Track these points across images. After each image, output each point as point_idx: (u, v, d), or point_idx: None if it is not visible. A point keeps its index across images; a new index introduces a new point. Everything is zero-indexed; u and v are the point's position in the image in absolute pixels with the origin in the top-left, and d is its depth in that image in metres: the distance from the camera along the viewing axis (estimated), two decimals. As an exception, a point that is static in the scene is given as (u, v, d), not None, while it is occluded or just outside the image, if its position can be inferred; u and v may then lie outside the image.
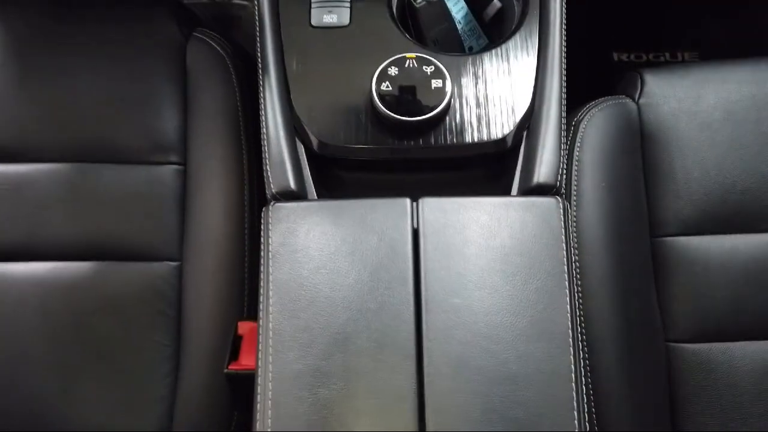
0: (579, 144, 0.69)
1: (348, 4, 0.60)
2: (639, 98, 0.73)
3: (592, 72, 1.16)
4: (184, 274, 0.71)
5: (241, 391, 0.62)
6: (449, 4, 0.64)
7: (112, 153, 0.73)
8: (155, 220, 0.72)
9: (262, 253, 0.50)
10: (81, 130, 0.73)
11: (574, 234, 0.66)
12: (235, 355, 0.63)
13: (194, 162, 0.73)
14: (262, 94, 0.57)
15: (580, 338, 0.60)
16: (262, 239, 0.51)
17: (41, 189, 0.72)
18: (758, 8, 1.19)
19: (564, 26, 0.59)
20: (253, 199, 0.72)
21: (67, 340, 0.69)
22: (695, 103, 0.72)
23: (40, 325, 0.69)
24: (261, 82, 0.58)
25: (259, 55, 0.59)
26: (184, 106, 0.74)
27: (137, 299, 0.71)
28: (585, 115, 0.71)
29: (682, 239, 0.70)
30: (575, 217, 0.67)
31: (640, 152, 0.72)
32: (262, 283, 0.49)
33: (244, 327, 0.65)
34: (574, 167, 0.68)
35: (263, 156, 0.56)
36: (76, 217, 0.72)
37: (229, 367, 0.61)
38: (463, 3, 0.65)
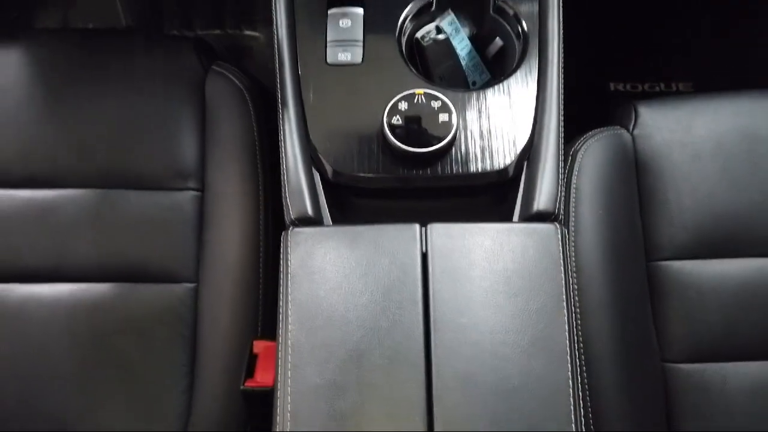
0: (577, 173, 0.73)
1: (361, 44, 0.64)
2: (633, 129, 0.77)
3: (590, 102, 1.20)
4: (201, 295, 0.75)
5: (255, 407, 0.64)
6: (454, 43, 0.68)
7: (135, 179, 0.77)
8: (173, 244, 0.76)
9: (281, 275, 0.54)
10: (106, 158, 0.77)
11: (573, 258, 0.70)
12: (250, 372, 0.65)
13: (212, 188, 0.77)
14: (281, 126, 0.61)
15: (578, 356, 0.63)
16: (281, 262, 0.55)
17: (67, 214, 0.76)
18: (752, 41, 1.24)
19: (562, 64, 0.64)
20: (267, 224, 0.76)
21: (89, 358, 0.73)
22: (686, 134, 0.76)
23: (64, 344, 0.73)
24: (280, 115, 0.62)
25: (278, 89, 0.63)
26: (202, 135, 0.79)
27: (156, 319, 0.74)
28: (582, 145, 0.75)
29: (676, 263, 0.73)
30: (574, 242, 0.70)
31: (635, 180, 0.76)
32: (281, 303, 0.53)
33: (259, 346, 0.68)
34: (573, 195, 0.72)
35: (282, 184, 0.60)
36: (100, 240, 0.76)
37: (246, 383, 0.64)
38: (467, 41, 0.69)
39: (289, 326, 0.51)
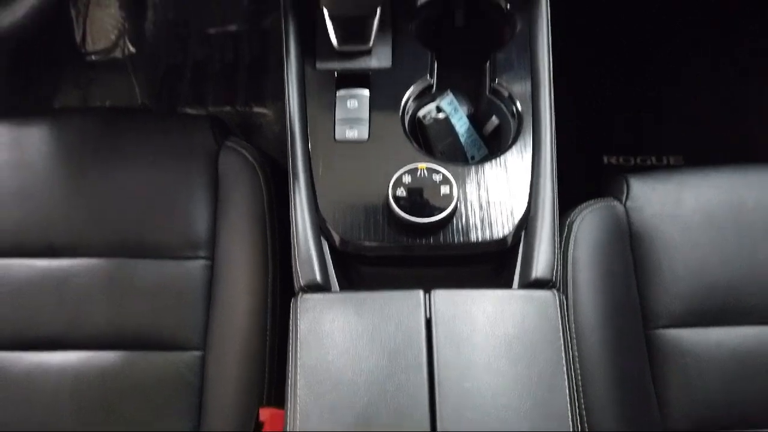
0: (573, 242, 0.76)
1: (367, 122, 0.69)
2: (626, 201, 0.81)
3: (584, 175, 1.26)
4: (208, 362, 0.76)
5: None
6: (453, 121, 0.73)
7: (148, 249, 0.80)
8: (182, 312, 0.78)
9: (290, 340, 0.56)
10: (121, 229, 0.81)
11: (573, 325, 0.71)
12: (257, 439, 0.66)
13: (221, 257, 0.80)
14: (291, 197, 0.65)
15: (579, 422, 0.64)
16: (290, 327, 0.57)
17: (82, 282, 0.78)
18: (740, 117, 1.31)
19: (554, 141, 0.68)
20: (275, 292, 0.78)
21: (95, 424, 0.73)
22: (677, 207, 0.79)
23: (72, 411, 0.73)
24: (291, 187, 0.66)
25: (289, 163, 0.67)
26: (214, 206, 0.82)
27: (163, 387, 0.75)
28: (578, 216, 0.79)
29: (673, 331, 0.75)
30: (572, 309, 0.72)
31: (629, 250, 0.79)
32: (289, 367, 0.55)
33: (265, 413, 0.69)
34: (570, 263, 0.75)
35: (292, 252, 0.63)
36: (111, 308, 0.78)
37: (252, 451, 0.65)
38: (466, 119, 0.74)
39: (298, 390, 0.53)
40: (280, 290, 0.78)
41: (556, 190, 0.66)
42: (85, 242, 0.80)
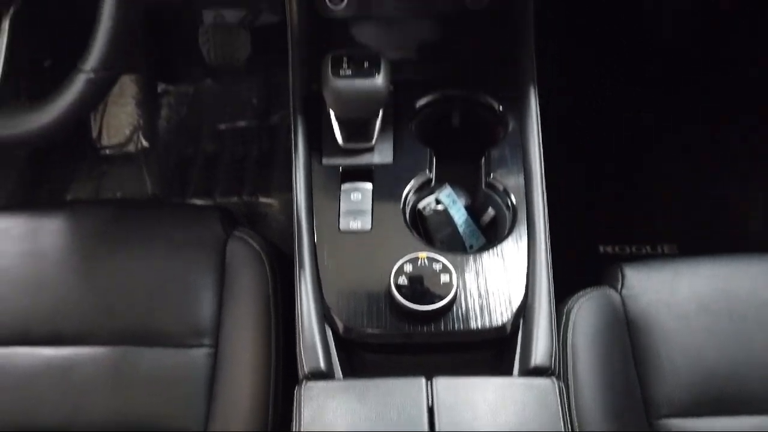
0: (571, 330, 0.78)
1: (370, 213, 0.72)
2: (621, 289, 0.83)
3: (581, 264, 1.28)
4: None
5: None
6: (452, 212, 0.76)
7: (153, 337, 0.81)
8: (185, 400, 0.78)
9: (293, 427, 0.56)
10: (127, 318, 0.82)
11: (574, 413, 0.71)
12: None
13: (225, 345, 0.81)
14: (297, 286, 0.67)
15: None
16: (293, 415, 0.57)
17: (87, 371, 0.79)
18: (733, 207, 1.35)
19: (547, 232, 0.71)
20: (278, 379, 0.78)
21: None
22: (671, 295, 0.81)
23: None
24: (296, 276, 0.68)
25: (295, 253, 0.70)
26: (220, 294, 0.84)
27: None
28: (575, 304, 0.80)
29: (676, 421, 0.75)
30: (573, 397, 0.73)
31: (627, 338, 0.80)
32: None
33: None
34: (569, 351, 0.76)
35: (297, 339, 0.64)
36: (115, 398, 0.78)
37: None
38: (464, 211, 0.77)
39: None
40: (283, 377, 0.78)
41: (551, 279, 0.68)
42: (91, 331, 0.81)
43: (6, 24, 0.61)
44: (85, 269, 0.85)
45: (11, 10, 0.61)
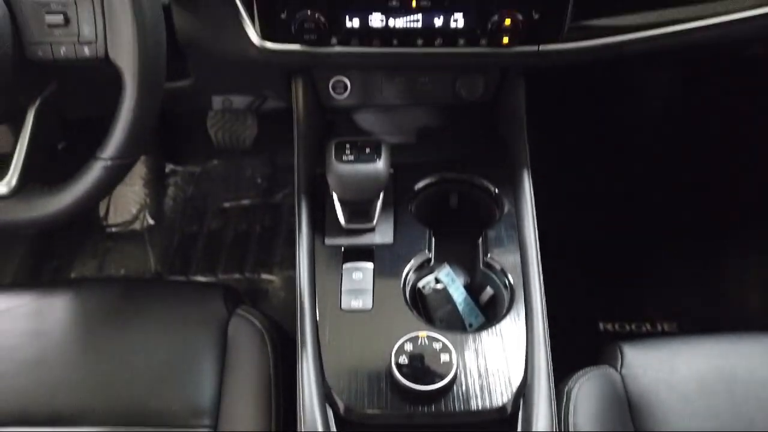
0: (572, 411, 0.77)
1: (371, 292, 0.74)
2: (621, 369, 0.83)
3: (581, 342, 1.28)
4: None
5: None
6: (451, 291, 0.78)
7: (152, 418, 0.80)
8: None
9: None
10: (127, 398, 0.82)
11: None
12: None
13: (225, 425, 0.80)
14: (299, 365, 0.68)
15: None
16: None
17: None
18: (731, 285, 1.36)
19: (545, 311, 0.73)
20: None
21: None
22: (670, 375, 0.81)
23: None
24: (299, 355, 0.69)
25: (298, 332, 0.71)
26: (221, 374, 0.84)
27: None
28: (575, 384, 0.80)
29: None
30: None
31: (629, 417, 0.79)
32: None
33: None
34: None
35: (298, 420, 0.64)
36: None
37: None
38: (463, 289, 0.79)
39: None
40: None
41: (550, 358, 0.69)
42: (90, 411, 0.81)
43: (31, 116, 0.65)
44: (87, 348, 0.85)
45: (37, 103, 0.65)
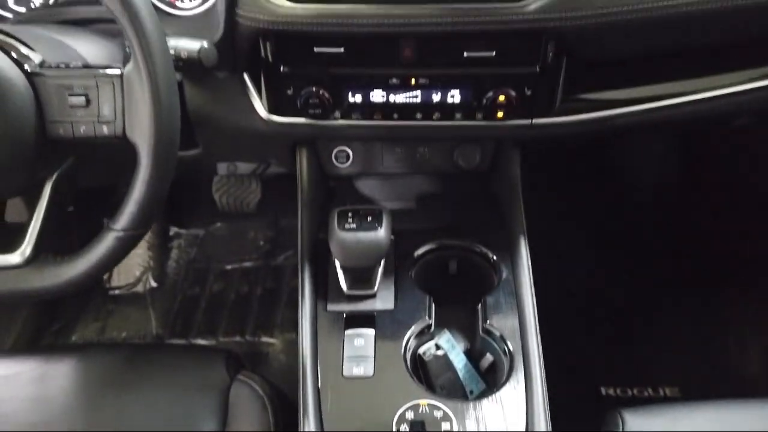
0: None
1: (372, 359, 0.75)
2: None
3: (583, 407, 1.26)
4: None
5: None
6: (451, 357, 0.78)
7: None
8: None
9: None
10: None
11: None
12: None
13: None
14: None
15: None
16: None
17: None
18: (733, 351, 1.36)
19: (543, 378, 0.74)
20: None
21: None
22: (671, 442, 0.81)
23: None
24: (300, 422, 0.69)
25: (300, 398, 0.71)
26: None
27: None
28: None
29: None
30: None
31: None
32: None
33: None
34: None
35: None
36: None
37: None
38: (463, 356, 0.79)
39: None
40: None
41: (550, 426, 0.69)
42: None
43: (48, 188, 0.68)
44: (91, 415, 0.85)
45: (54, 176, 0.68)
